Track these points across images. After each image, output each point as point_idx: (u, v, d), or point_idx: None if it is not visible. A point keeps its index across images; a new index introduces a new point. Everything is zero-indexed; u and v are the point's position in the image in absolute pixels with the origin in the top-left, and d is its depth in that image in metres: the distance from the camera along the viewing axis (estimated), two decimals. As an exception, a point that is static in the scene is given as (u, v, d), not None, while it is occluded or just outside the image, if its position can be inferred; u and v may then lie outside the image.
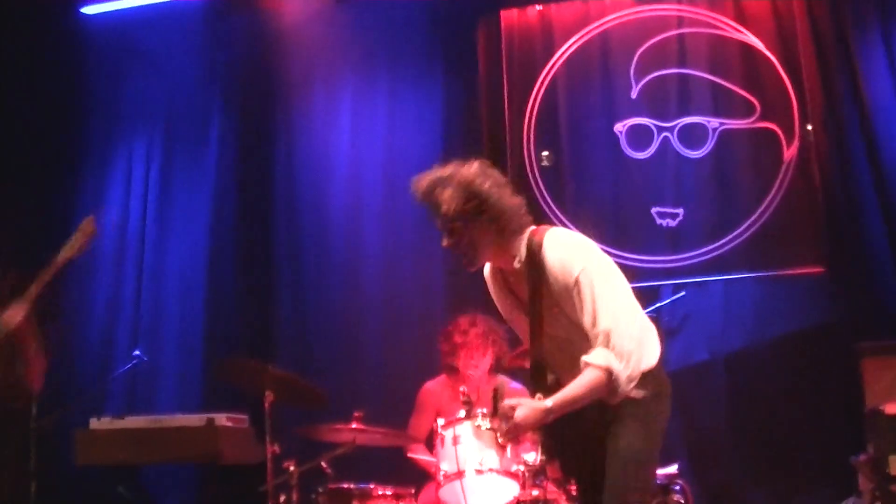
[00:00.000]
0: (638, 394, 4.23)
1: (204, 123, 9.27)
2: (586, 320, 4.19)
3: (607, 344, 4.13)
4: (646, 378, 4.26)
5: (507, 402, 4.21)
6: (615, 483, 4.25)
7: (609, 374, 4.11)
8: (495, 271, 4.52)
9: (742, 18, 8.62)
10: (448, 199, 4.24)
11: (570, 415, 4.25)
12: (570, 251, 4.27)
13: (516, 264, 4.34)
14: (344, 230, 8.85)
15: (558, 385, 4.31)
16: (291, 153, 9.14)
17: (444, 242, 4.37)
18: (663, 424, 4.41)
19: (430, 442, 6.76)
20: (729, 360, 8.15)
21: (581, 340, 4.22)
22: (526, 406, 4.17)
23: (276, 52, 9.22)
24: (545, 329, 4.35)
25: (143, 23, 9.38)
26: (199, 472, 8.35)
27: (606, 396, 4.19)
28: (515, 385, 6.86)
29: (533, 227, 4.42)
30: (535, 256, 4.29)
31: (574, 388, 4.17)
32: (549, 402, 4.17)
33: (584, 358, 4.15)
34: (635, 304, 4.43)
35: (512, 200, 4.35)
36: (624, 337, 4.15)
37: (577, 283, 4.19)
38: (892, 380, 7.08)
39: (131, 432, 7.28)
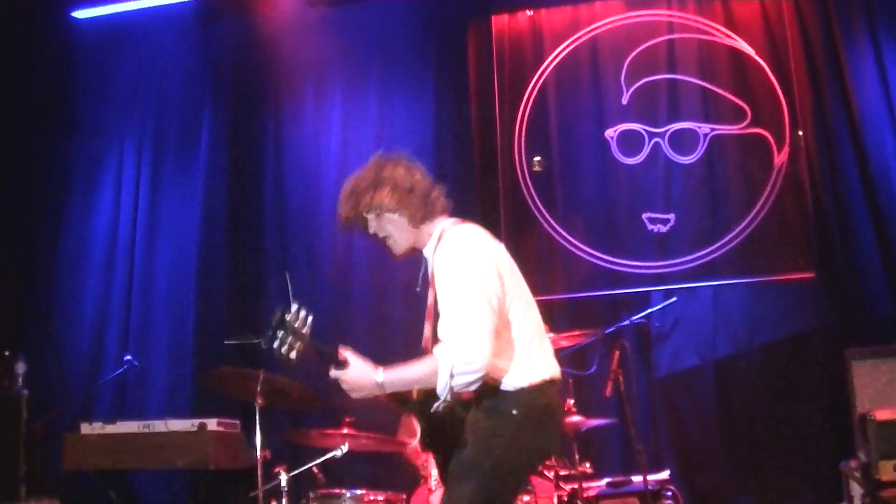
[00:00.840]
0: (469, 395, 4.16)
1: (194, 126, 9.27)
2: (442, 312, 4.19)
3: (450, 338, 4.11)
4: (516, 396, 4.18)
5: (344, 353, 4.20)
6: (448, 492, 4.22)
7: (440, 364, 4.05)
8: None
9: (732, 24, 8.65)
10: (360, 193, 4.46)
11: (448, 412, 4.20)
12: (458, 244, 4.30)
13: (426, 252, 4.43)
14: (333, 235, 8.82)
15: None
16: (281, 157, 9.14)
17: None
18: (517, 454, 4.19)
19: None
20: (719, 365, 8.15)
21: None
22: (360, 368, 4.17)
23: (267, 55, 9.24)
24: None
25: (133, 26, 9.43)
26: (190, 477, 8.31)
27: (443, 390, 4.09)
28: None
29: (453, 219, 4.48)
30: (438, 246, 4.35)
31: (407, 369, 4.18)
32: (381, 375, 4.17)
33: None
34: (521, 315, 4.34)
35: (421, 188, 4.43)
36: (469, 336, 4.08)
37: (445, 275, 4.22)
38: (882, 385, 7.08)
39: (122, 437, 7.29)
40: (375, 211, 4.43)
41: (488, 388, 4.16)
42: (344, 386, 4.14)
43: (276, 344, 4.13)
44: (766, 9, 8.63)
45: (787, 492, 7.78)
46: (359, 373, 4.15)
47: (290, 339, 4.15)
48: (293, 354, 4.12)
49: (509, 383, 4.19)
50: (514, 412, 4.17)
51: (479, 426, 4.17)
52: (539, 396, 4.23)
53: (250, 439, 6.68)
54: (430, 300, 4.33)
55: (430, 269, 4.35)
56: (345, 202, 4.52)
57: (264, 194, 9.10)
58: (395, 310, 8.50)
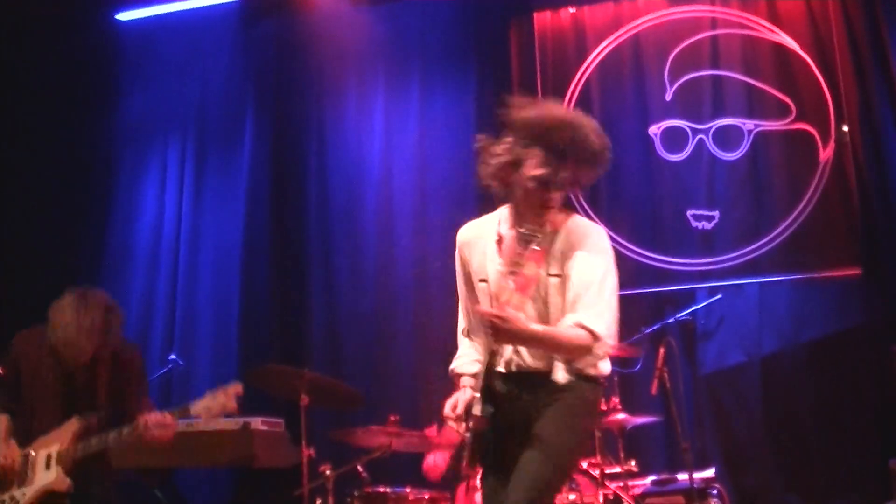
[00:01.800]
0: (595, 369, 4.15)
1: (236, 127, 9.31)
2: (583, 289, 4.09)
3: (601, 316, 4.05)
4: (596, 382, 4.20)
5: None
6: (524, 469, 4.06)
7: (586, 337, 4.01)
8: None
9: (776, 19, 8.59)
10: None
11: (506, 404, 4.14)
12: (596, 227, 4.36)
13: (530, 228, 4.13)
14: (376, 233, 8.87)
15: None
16: (324, 156, 9.16)
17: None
18: (586, 437, 4.46)
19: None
20: (764, 362, 8.10)
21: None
22: (516, 315, 3.99)
23: (308, 54, 9.29)
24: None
25: (176, 28, 9.50)
26: (235, 475, 8.35)
27: (574, 360, 4.09)
28: None
29: None
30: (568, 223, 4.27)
31: (560, 331, 4.06)
32: (539, 327, 4.07)
33: (578, 318, 4.04)
34: None
35: None
36: (614, 317, 4.09)
37: (594, 254, 4.15)
38: (930, 382, 7.02)
39: (167, 436, 7.30)
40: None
41: (582, 370, 4.15)
42: (502, 324, 3.93)
43: None
44: (811, 4, 8.57)
45: (834, 489, 7.70)
46: (516, 317, 3.95)
47: None
48: None
49: (597, 370, 4.19)
50: (592, 398, 4.21)
51: (565, 405, 4.11)
52: (602, 388, 4.29)
53: (295, 438, 6.71)
54: (531, 274, 4.10)
55: (533, 246, 4.09)
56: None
57: (307, 192, 9.11)
58: (437, 306, 8.49)
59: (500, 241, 4.26)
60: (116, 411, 5.42)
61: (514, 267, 4.04)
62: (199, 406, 5.35)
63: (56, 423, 5.31)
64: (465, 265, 4.37)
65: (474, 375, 4.24)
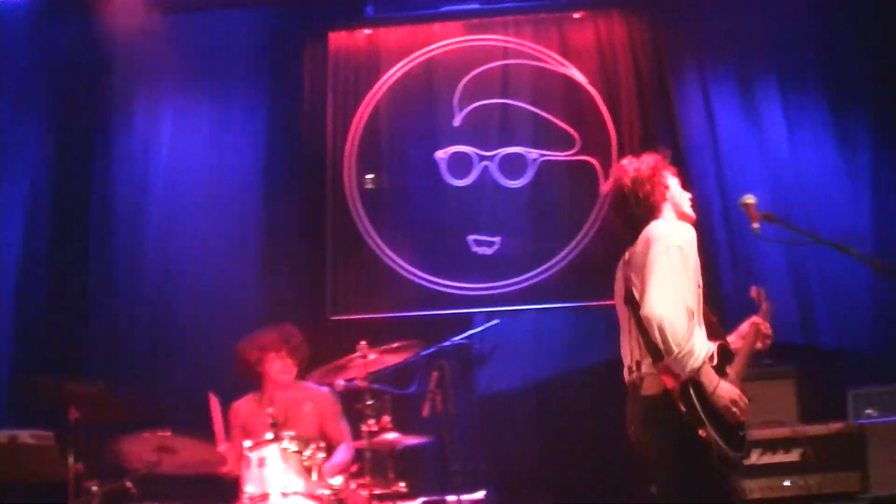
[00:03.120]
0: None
1: (20, 133, 9.00)
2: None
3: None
4: None
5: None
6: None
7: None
8: None
9: (566, 52, 8.79)
10: None
11: None
12: None
13: None
14: (158, 245, 8.71)
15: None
16: (109, 167, 8.93)
17: None
18: None
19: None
20: (538, 387, 8.25)
21: None
22: None
23: (99, 60, 9.04)
24: None
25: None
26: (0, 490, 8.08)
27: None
28: (325, 389, 7.00)
29: None
30: None
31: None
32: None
33: None
34: None
35: None
36: None
37: None
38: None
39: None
40: None
41: None
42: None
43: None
44: (601, 39, 8.79)
45: (607, 513, 7.87)
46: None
47: None
48: None
49: None
50: None
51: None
52: None
53: (64, 452, 6.54)
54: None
55: None
56: None
57: (90, 200, 8.87)
58: (221, 320, 8.42)
59: None
60: None
61: None
62: None
63: None
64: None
65: None
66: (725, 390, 4.51)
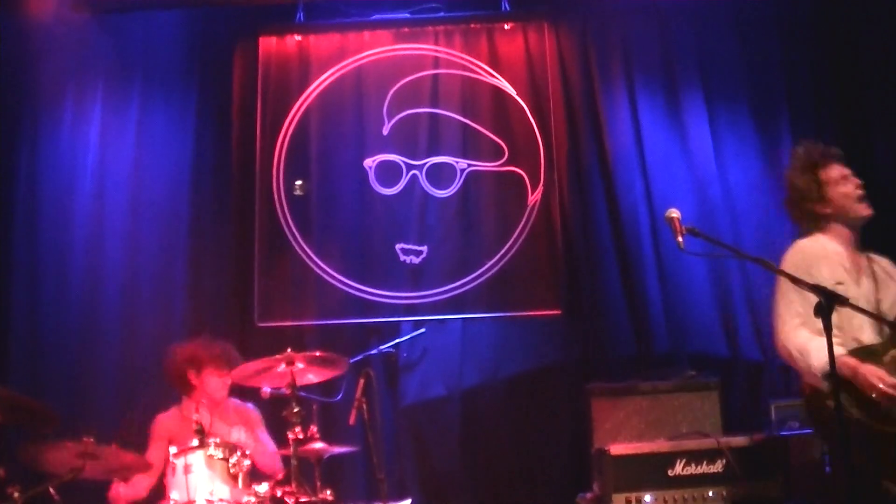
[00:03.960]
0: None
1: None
2: None
3: None
4: None
5: None
6: None
7: None
8: None
9: (496, 63, 8.85)
10: None
11: None
12: None
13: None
14: (84, 248, 8.56)
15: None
16: (35, 166, 8.76)
17: None
18: None
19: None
20: (464, 396, 8.26)
21: None
22: None
23: (26, 56, 8.88)
24: None
25: None
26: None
27: None
28: (250, 405, 7.04)
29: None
30: None
31: None
32: None
33: None
34: None
35: None
36: None
37: None
38: (619, 421, 7.32)
39: None
40: None
41: None
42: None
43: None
44: (530, 50, 8.86)
45: (527, 521, 7.92)
46: None
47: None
48: None
49: None
50: None
51: None
52: None
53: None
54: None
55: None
56: None
57: (15, 201, 8.70)
58: (146, 326, 8.34)
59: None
60: None
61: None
62: None
63: None
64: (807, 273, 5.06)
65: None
66: None
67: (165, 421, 7.04)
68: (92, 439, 6.10)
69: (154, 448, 6.93)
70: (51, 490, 6.18)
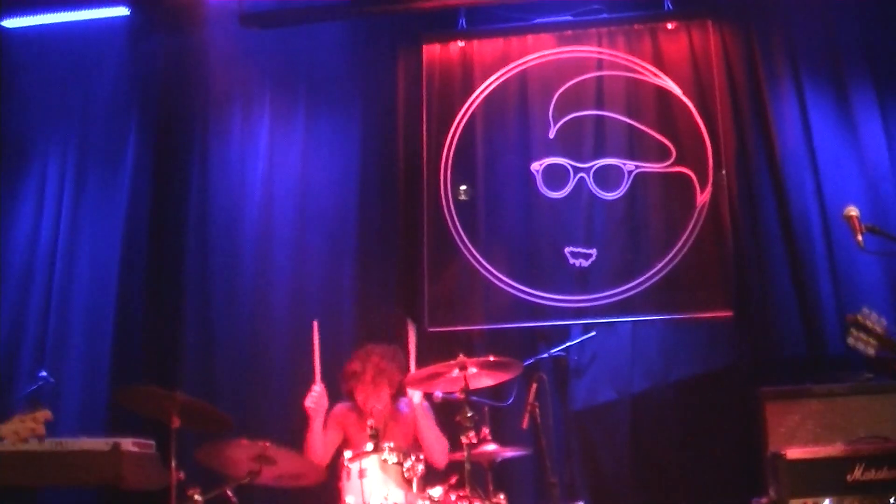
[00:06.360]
0: None
1: (119, 141, 9.15)
2: None
3: None
4: None
5: None
6: None
7: None
8: None
9: (660, 63, 8.77)
10: None
11: None
12: None
13: None
14: (254, 256, 8.80)
15: None
16: (206, 177, 9.06)
17: None
18: None
19: (334, 463, 6.75)
20: (634, 400, 8.21)
21: None
22: None
23: (196, 73, 9.21)
24: None
25: (63, 39, 9.34)
26: (102, 497, 8.18)
27: None
28: (403, 408, 7.02)
29: None
30: None
31: None
32: None
33: None
34: None
35: None
36: None
37: None
38: (793, 425, 7.18)
39: (33, 455, 7.12)
40: None
41: None
42: None
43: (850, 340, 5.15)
44: (694, 49, 8.76)
45: (700, 527, 7.84)
46: None
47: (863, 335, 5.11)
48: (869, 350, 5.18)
49: None
50: None
51: None
52: None
53: (165, 460, 6.62)
54: None
55: None
56: None
57: (187, 212, 8.98)
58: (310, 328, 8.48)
59: None
60: None
61: None
62: (5, 429, 5.32)
63: None
64: None
65: None
66: None
67: (343, 411, 7.13)
68: (267, 442, 6.25)
69: (328, 435, 7.01)
70: (227, 493, 6.34)
